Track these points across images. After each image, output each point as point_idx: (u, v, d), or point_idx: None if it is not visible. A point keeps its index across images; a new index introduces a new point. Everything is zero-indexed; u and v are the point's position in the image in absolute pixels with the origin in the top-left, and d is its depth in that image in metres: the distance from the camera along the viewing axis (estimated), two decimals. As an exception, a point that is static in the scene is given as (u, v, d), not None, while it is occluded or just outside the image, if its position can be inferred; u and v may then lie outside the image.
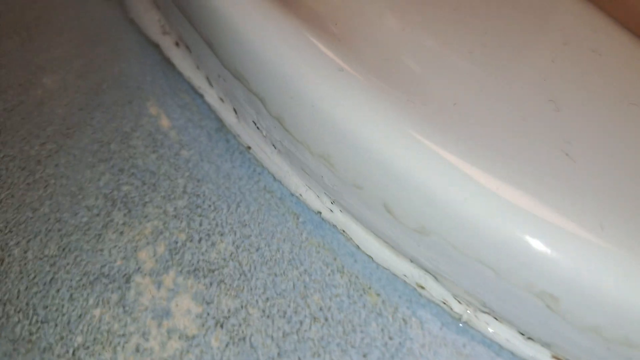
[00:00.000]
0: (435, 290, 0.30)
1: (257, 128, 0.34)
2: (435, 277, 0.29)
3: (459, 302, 0.30)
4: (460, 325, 0.29)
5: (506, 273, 0.26)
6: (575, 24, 0.34)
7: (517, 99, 0.29)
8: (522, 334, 0.28)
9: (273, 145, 0.34)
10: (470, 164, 0.26)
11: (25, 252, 0.31)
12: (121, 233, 0.32)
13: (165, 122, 0.37)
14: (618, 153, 0.28)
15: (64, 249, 0.31)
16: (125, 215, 0.33)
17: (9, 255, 0.31)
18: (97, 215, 0.33)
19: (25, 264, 0.31)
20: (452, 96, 0.29)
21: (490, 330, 0.29)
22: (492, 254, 0.26)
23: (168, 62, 0.40)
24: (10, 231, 0.32)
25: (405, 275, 0.30)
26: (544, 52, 0.32)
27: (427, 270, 0.30)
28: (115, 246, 0.31)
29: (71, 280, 0.30)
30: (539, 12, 0.34)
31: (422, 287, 0.30)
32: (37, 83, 0.39)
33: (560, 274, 0.24)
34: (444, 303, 0.30)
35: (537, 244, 0.24)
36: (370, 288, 0.30)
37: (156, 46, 0.41)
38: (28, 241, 0.32)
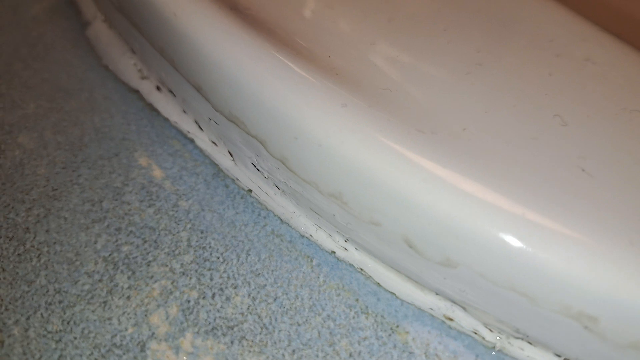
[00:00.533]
0: (464, 321, 0.29)
1: (257, 170, 0.33)
2: (464, 308, 0.29)
3: (490, 330, 0.29)
4: (494, 353, 0.29)
5: (541, 298, 0.25)
6: (563, 34, 0.34)
7: (523, 117, 0.29)
8: (559, 356, 0.28)
9: (276, 186, 0.33)
10: (493, 190, 0.25)
11: (27, 330, 0.29)
12: (128, 298, 0.30)
13: (157, 173, 0.35)
14: (632, 163, 0.27)
15: (68, 322, 0.29)
16: (129, 277, 0.31)
17: (9, 336, 0.29)
18: (100, 281, 0.31)
19: (27, 343, 0.29)
20: (459, 121, 0.28)
21: (526, 355, 0.28)
22: (525, 281, 0.25)
23: (151, 108, 0.38)
24: (7, 309, 0.30)
25: (431, 309, 0.30)
26: (539, 66, 0.32)
27: (454, 302, 0.29)
28: (124, 313, 0.29)
29: (81, 356, 0.28)
30: (524, 24, 0.34)
31: (451, 319, 0.29)
32: (13, 143, 0.37)
33: (597, 293, 0.24)
34: (475, 333, 0.29)
35: (570, 266, 0.24)
36: (398, 326, 0.29)
37: (136, 92, 0.39)
38: (28, 318, 0.30)
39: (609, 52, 0.33)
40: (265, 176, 0.33)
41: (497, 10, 0.35)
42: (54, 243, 0.32)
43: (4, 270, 0.31)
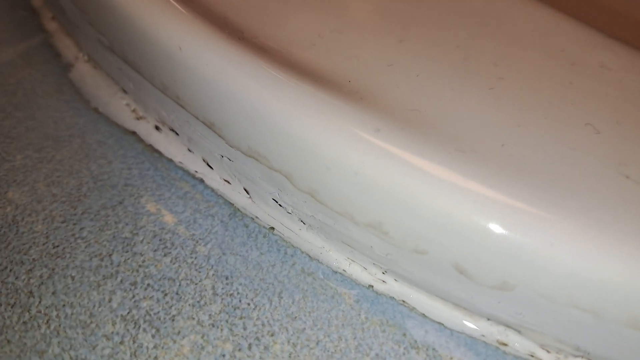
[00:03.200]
0: (519, 344, 0.28)
1: (280, 205, 0.31)
2: (519, 331, 0.27)
3: (548, 351, 0.28)
4: (554, 376, 0.27)
5: (606, 313, 0.24)
6: (572, 43, 0.34)
7: (556, 128, 0.28)
8: (622, 371, 0.27)
9: (301, 221, 0.31)
10: (546, 206, 0.24)
11: (44, 408, 0.26)
12: (155, 358, 0.27)
13: (169, 218, 0.32)
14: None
15: (92, 394, 0.26)
16: (154, 336, 0.28)
17: (25, 418, 0.26)
18: (121, 343, 0.28)
19: (47, 423, 0.26)
20: (496, 137, 0.27)
21: (588, 374, 0.27)
22: (590, 297, 0.24)
23: (152, 150, 0.36)
24: (18, 386, 0.27)
25: (483, 336, 0.28)
26: (558, 76, 0.31)
27: (507, 325, 0.28)
28: (153, 376, 0.27)
29: None
30: (532, 35, 0.34)
31: (505, 344, 0.28)
32: (3, 199, 0.34)
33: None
34: (532, 356, 0.28)
35: (637, 277, 0.23)
36: (451, 358, 0.27)
37: (132, 134, 0.37)
38: (44, 394, 0.26)
39: (620, 57, 0.33)
40: (289, 211, 0.31)
41: (503, 23, 0.35)
42: (63, 306, 0.29)
43: (9, 342, 0.28)
